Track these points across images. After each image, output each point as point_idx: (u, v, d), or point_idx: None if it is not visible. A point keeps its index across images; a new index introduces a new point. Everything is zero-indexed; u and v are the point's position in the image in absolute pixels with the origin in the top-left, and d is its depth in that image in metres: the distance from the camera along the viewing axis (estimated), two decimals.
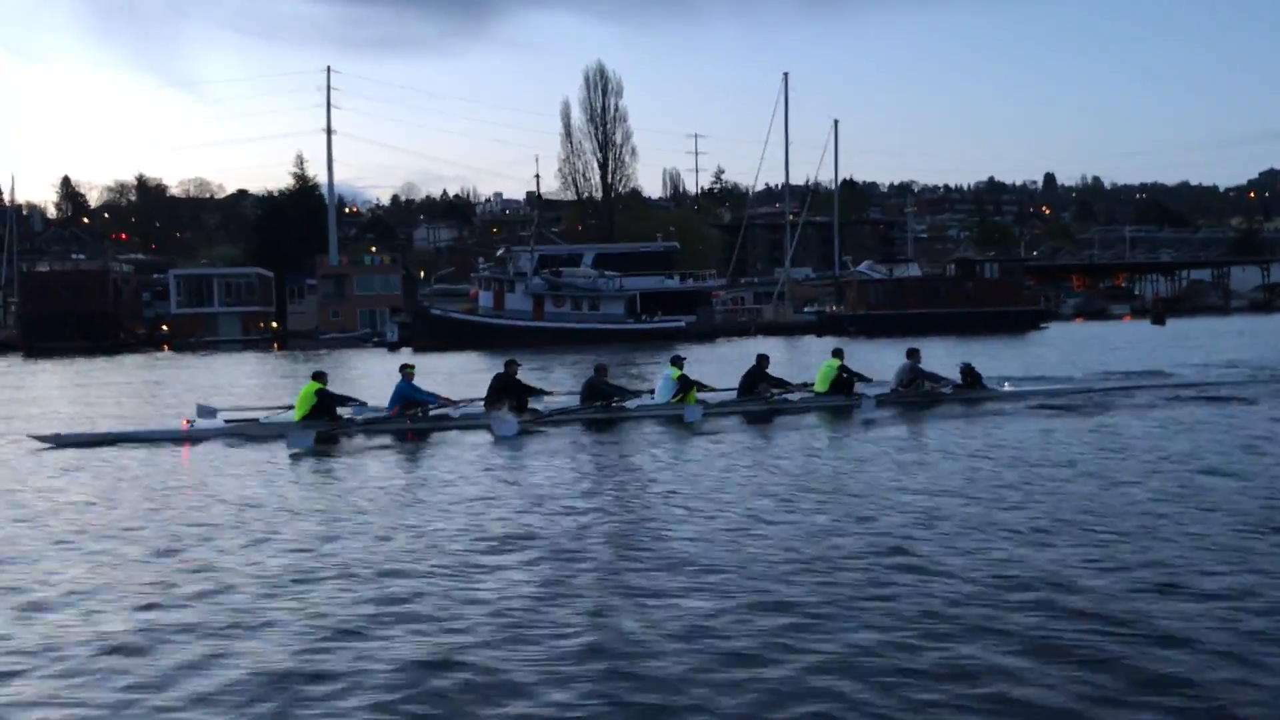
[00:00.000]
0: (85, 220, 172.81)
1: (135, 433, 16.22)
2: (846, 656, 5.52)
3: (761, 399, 17.05)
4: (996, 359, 32.20)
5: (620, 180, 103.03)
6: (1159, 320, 55.42)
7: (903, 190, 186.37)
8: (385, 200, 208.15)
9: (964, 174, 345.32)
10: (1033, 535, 8.05)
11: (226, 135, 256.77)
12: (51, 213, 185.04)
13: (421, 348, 51.85)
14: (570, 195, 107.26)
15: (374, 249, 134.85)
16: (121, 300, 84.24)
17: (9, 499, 11.05)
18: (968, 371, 18.34)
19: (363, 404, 16.52)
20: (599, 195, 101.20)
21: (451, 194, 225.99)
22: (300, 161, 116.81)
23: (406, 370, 16.38)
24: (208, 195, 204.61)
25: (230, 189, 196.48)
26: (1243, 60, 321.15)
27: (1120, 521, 8.43)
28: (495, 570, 7.46)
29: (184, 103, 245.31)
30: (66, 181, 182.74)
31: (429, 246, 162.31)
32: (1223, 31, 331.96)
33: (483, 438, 14.92)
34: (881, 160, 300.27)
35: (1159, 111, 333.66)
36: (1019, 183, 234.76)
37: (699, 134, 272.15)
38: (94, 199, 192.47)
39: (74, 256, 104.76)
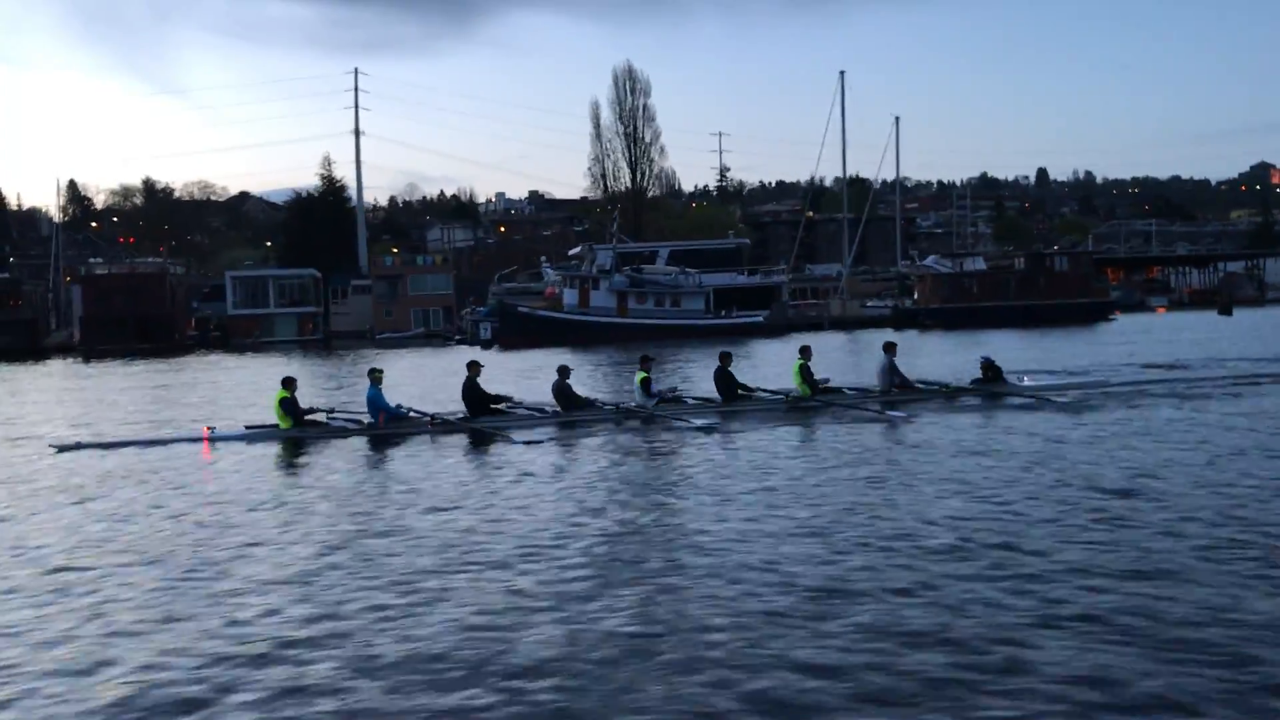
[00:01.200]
0: (94, 224, 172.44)
1: (154, 439, 16.67)
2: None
3: (738, 398, 16.98)
4: (1106, 347, 33.64)
5: (649, 178, 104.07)
6: (1226, 310, 57.63)
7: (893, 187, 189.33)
8: (383, 200, 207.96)
9: (955, 169, 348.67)
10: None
11: (218, 139, 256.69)
12: (56, 216, 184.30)
13: (509, 345, 53.28)
14: (598, 194, 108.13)
15: (395, 250, 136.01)
16: (175, 302, 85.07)
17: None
18: (988, 366, 18.13)
19: (330, 411, 16.81)
20: (616, 191, 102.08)
21: (449, 194, 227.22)
22: (328, 163, 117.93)
23: (375, 375, 16.45)
24: (207, 198, 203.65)
25: (223, 191, 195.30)
26: (1230, 54, 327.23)
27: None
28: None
29: (172, 107, 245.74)
30: (73, 185, 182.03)
31: (443, 246, 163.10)
32: (1211, 25, 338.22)
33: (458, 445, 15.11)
34: (872, 156, 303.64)
35: (1146, 105, 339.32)
36: (1011, 178, 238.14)
37: (703, 131, 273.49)
38: (98, 202, 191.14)
39: (128, 261, 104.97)
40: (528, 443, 14.30)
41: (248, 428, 16.47)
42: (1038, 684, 5.37)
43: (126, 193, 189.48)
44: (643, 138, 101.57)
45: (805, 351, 17.47)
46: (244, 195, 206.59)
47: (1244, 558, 7.48)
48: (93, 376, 43.02)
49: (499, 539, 9.04)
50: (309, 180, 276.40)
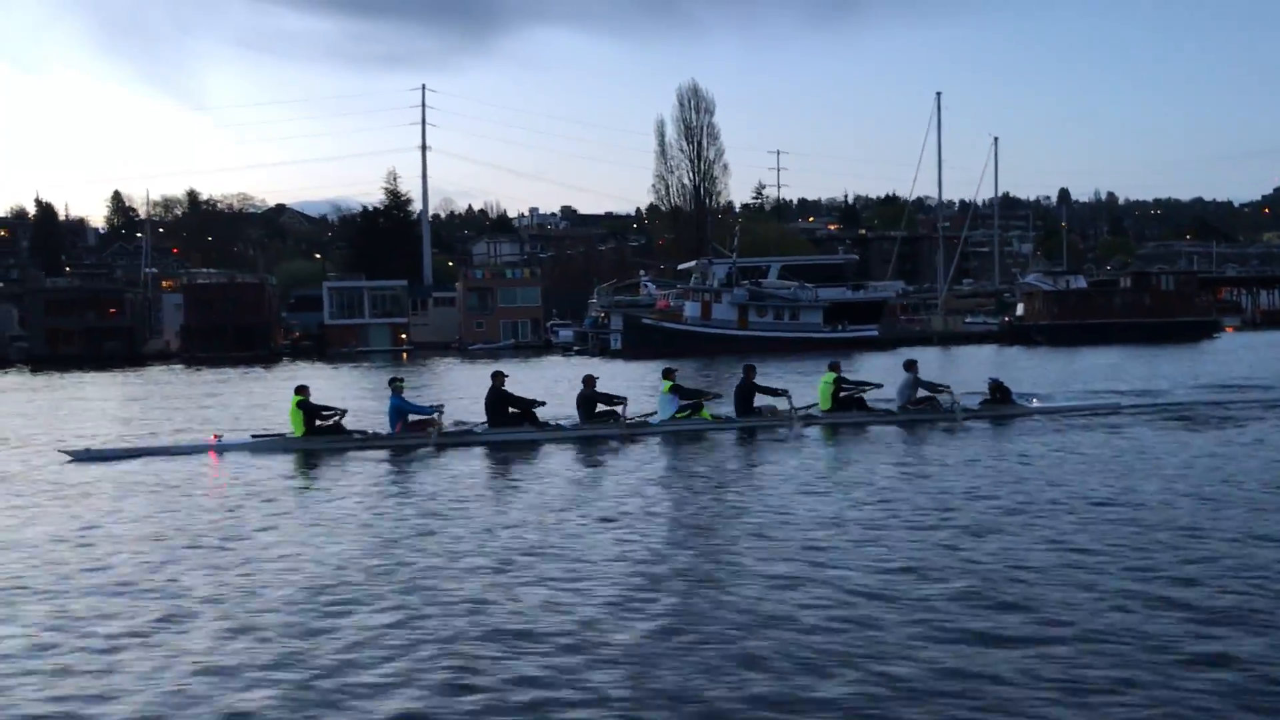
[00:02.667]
0: (138, 234, 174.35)
1: (164, 447, 16.74)
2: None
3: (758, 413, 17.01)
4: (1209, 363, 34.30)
5: (713, 195, 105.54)
6: None
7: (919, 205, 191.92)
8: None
9: (976, 189, 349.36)
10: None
11: (236, 150, 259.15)
12: (101, 226, 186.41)
13: (635, 356, 55.38)
14: (665, 208, 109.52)
15: (450, 264, 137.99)
16: (270, 312, 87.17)
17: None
18: (996, 387, 17.86)
19: (343, 411, 16.75)
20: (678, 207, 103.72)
21: (476, 208, 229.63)
22: (393, 178, 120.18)
23: (396, 385, 16.56)
24: (244, 210, 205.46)
25: (261, 203, 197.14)
26: (1251, 74, 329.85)
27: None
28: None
29: (193, 118, 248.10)
30: (117, 196, 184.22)
31: (489, 260, 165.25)
32: (1232, 46, 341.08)
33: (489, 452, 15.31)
34: (891, 172, 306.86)
35: (1166, 126, 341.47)
36: (1032, 198, 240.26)
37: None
38: (139, 213, 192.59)
39: (182, 271, 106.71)
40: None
41: (254, 436, 16.76)
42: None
43: (168, 204, 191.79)
44: (707, 155, 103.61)
45: (835, 367, 17.57)
46: (281, 208, 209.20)
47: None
48: (228, 381, 44.27)
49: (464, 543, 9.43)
50: (335, 193, 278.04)
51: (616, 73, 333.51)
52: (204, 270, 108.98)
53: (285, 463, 15.00)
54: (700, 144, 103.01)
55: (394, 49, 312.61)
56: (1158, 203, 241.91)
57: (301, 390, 16.36)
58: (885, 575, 7.81)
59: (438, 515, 10.81)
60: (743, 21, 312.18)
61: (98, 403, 33.19)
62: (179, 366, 66.02)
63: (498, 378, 16.43)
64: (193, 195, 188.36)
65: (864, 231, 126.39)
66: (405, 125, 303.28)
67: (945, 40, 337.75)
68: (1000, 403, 17.56)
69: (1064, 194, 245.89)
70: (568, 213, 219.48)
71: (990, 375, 19.00)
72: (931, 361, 41.63)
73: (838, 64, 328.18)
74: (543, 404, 17.00)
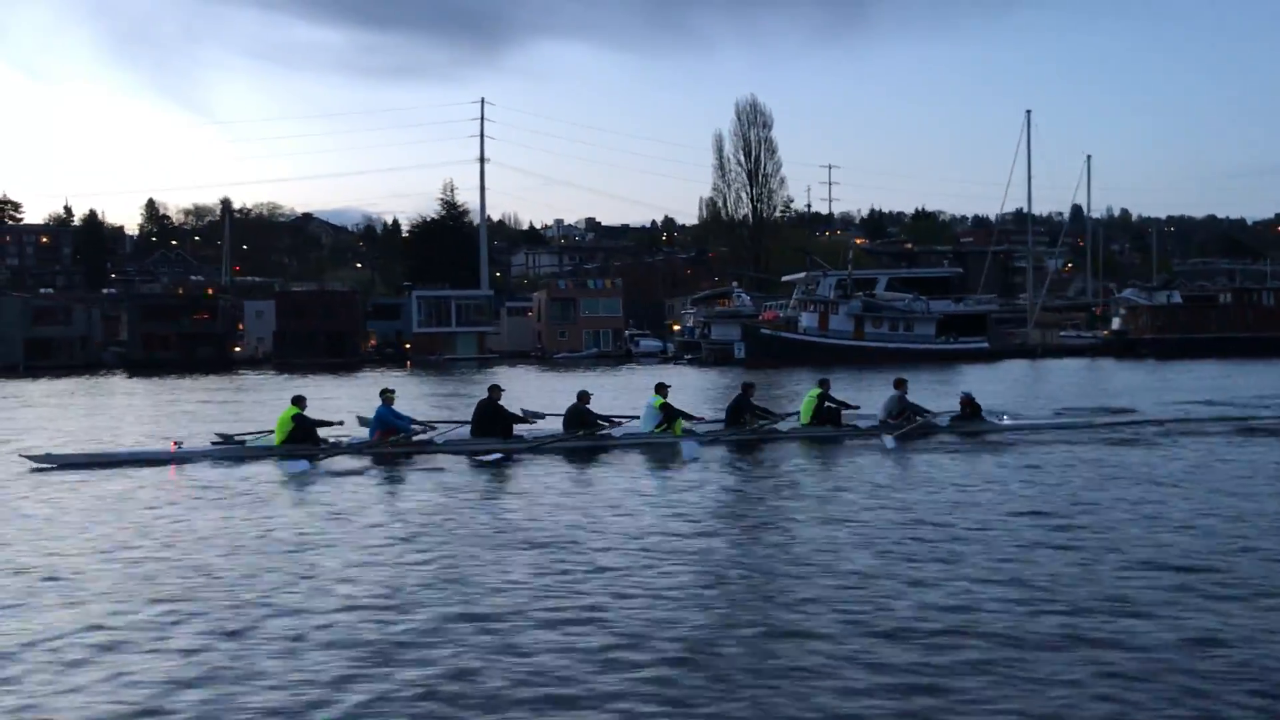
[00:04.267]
0: (173, 242, 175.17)
1: (126, 454, 16.03)
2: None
3: (747, 428, 16.68)
4: None
5: (769, 209, 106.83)
6: None
7: (928, 217, 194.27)
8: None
9: (990, 205, 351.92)
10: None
11: (247, 161, 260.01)
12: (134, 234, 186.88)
13: (755, 365, 57.09)
14: (719, 220, 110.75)
15: (498, 274, 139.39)
16: (358, 319, 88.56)
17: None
18: (967, 402, 17.64)
19: (339, 424, 16.43)
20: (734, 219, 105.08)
21: (495, 219, 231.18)
22: (451, 189, 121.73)
23: (386, 395, 16.06)
24: (267, 219, 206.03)
25: (290, 212, 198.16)
26: (1256, 92, 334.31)
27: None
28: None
29: (202, 129, 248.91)
30: (151, 204, 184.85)
31: (527, 271, 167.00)
32: (1241, 63, 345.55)
33: (463, 463, 14.81)
34: (898, 185, 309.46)
35: (1176, 144, 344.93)
36: (1045, 214, 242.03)
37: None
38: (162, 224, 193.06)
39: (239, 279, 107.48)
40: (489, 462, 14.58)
41: (214, 444, 16.23)
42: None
43: (200, 212, 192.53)
44: (764, 169, 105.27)
45: (824, 384, 17.39)
46: (308, 216, 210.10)
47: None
48: (330, 384, 45.08)
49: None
50: (345, 204, 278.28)
51: (625, 85, 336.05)
52: (249, 278, 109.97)
53: (250, 470, 14.40)
54: (758, 158, 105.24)
55: (404, 60, 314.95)
56: (1171, 220, 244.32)
57: (298, 401, 15.96)
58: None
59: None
60: (749, 36, 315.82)
61: (253, 404, 34.09)
62: (270, 372, 67.18)
63: (494, 391, 16.14)
64: (226, 204, 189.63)
65: (909, 245, 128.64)
66: (417, 137, 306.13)
67: (953, 54, 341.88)
68: (970, 418, 17.36)
69: (1077, 210, 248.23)
70: (592, 224, 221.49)
71: (963, 390, 18.73)
72: (1065, 377, 42.72)
73: (844, 78, 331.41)
74: (536, 419, 16.93)
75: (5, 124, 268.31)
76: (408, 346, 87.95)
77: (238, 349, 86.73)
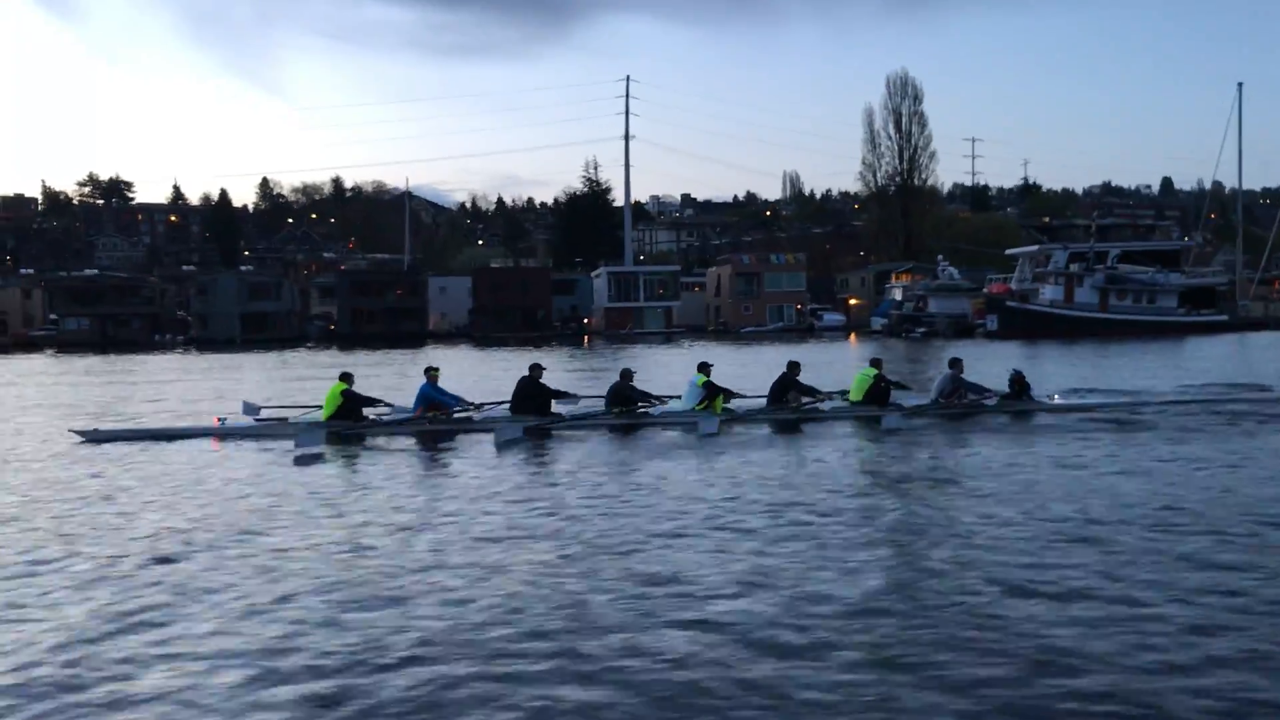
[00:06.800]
0: (289, 220, 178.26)
1: (169, 429, 16.04)
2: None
3: (789, 407, 16.21)
4: None
5: (920, 181, 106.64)
6: None
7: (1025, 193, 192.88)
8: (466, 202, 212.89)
9: (1078, 178, 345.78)
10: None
11: (323, 138, 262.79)
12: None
13: (1007, 337, 57.98)
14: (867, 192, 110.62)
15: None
16: (548, 296, 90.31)
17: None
18: (1017, 380, 17.05)
19: (389, 405, 16.11)
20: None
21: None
22: (595, 166, 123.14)
23: (431, 373, 15.85)
24: (373, 196, 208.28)
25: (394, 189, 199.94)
26: None
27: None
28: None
29: (277, 107, 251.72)
30: (265, 183, 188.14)
31: (644, 248, 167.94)
32: None
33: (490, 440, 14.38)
34: (999, 163, 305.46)
35: (1266, 111, 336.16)
36: (1133, 186, 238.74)
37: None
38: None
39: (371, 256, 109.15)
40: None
41: (257, 420, 16.12)
42: None
43: (309, 191, 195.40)
44: (915, 142, 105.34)
45: (878, 363, 16.78)
46: (409, 195, 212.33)
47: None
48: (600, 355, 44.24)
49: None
50: (418, 181, 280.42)
51: (692, 60, 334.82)
52: (374, 256, 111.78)
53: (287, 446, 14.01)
54: (910, 131, 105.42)
55: (474, 39, 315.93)
56: (1265, 192, 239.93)
57: (346, 378, 15.68)
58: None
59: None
60: (821, 7, 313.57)
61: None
62: (462, 345, 68.42)
63: (535, 369, 15.89)
64: (337, 182, 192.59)
65: (1047, 219, 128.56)
66: (486, 114, 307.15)
67: (1003, 31, 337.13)
68: (1018, 396, 16.85)
69: (1167, 183, 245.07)
70: (688, 200, 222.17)
71: (1012, 368, 18.03)
72: None
73: (916, 50, 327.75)
74: (576, 397, 16.95)
75: (85, 107, 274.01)
76: (586, 321, 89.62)
77: (443, 325, 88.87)
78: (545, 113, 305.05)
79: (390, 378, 31.00)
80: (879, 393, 16.23)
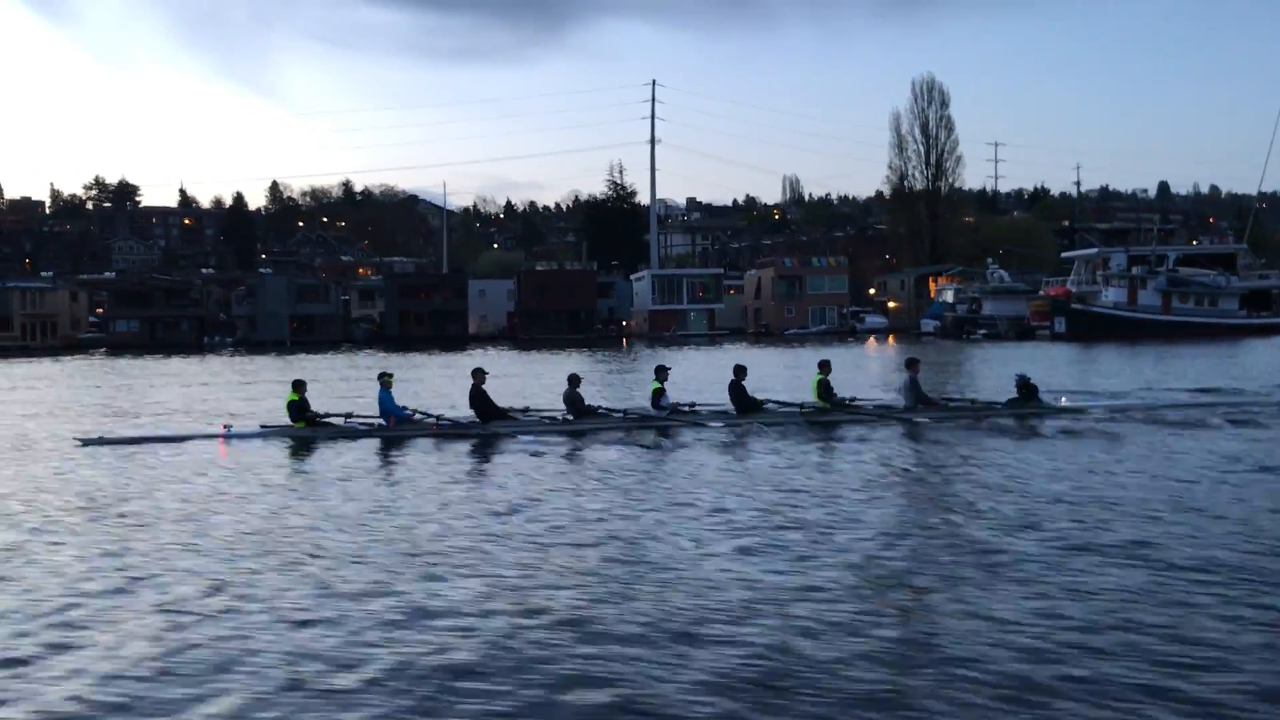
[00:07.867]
0: (300, 223, 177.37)
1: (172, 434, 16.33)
2: None
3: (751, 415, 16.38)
4: None
5: (946, 185, 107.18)
6: None
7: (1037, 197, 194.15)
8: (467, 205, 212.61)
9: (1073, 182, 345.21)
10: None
11: (318, 141, 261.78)
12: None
13: (1075, 339, 58.59)
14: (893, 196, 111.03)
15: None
16: (592, 298, 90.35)
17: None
18: (1023, 385, 17.21)
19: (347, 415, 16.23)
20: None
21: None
22: (619, 170, 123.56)
23: (385, 379, 15.88)
24: (380, 200, 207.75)
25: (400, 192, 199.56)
26: None
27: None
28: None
29: (271, 109, 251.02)
30: (274, 186, 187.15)
31: (661, 251, 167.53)
32: None
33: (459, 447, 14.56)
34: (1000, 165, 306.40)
35: (1260, 116, 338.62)
36: (1129, 190, 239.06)
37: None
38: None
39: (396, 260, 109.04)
40: (534, 453, 13.76)
41: (263, 426, 16.22)
42: None
43: (317, 194, 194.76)
44: (942, 146, 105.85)
45: (824, 366, 16.99)
46: (414, 198, 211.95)
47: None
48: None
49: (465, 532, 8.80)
50: (413, 185, 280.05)
51: (688, 63, 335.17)
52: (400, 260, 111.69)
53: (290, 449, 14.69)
54: (936, 135, 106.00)
55: (469, 43, 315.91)
56: (1262, 196, 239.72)
57: (298, 386, 15.92)
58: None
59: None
60: (813, 10, 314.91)
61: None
62: (504, 346, 68.60)
63: (478, 375, 15.98)
64: (347, 186, 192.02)
65: (1066, 223, 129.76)
66: (483, 119, 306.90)
67: (1012, 35, 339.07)
68: (1026, 401, 16.95)
69: (1163, 187, 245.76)
70: (693, 203, 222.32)
71: (1018, 373, 18.08)
72: None
73: (912, 54, 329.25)
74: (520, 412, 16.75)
75: (83, 110, 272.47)
76: (625, 324, 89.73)
77: (487, 328, 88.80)
78: (542, 118, 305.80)
79: (439, 381, 31.16)
80: (831, 396, 16.77)
